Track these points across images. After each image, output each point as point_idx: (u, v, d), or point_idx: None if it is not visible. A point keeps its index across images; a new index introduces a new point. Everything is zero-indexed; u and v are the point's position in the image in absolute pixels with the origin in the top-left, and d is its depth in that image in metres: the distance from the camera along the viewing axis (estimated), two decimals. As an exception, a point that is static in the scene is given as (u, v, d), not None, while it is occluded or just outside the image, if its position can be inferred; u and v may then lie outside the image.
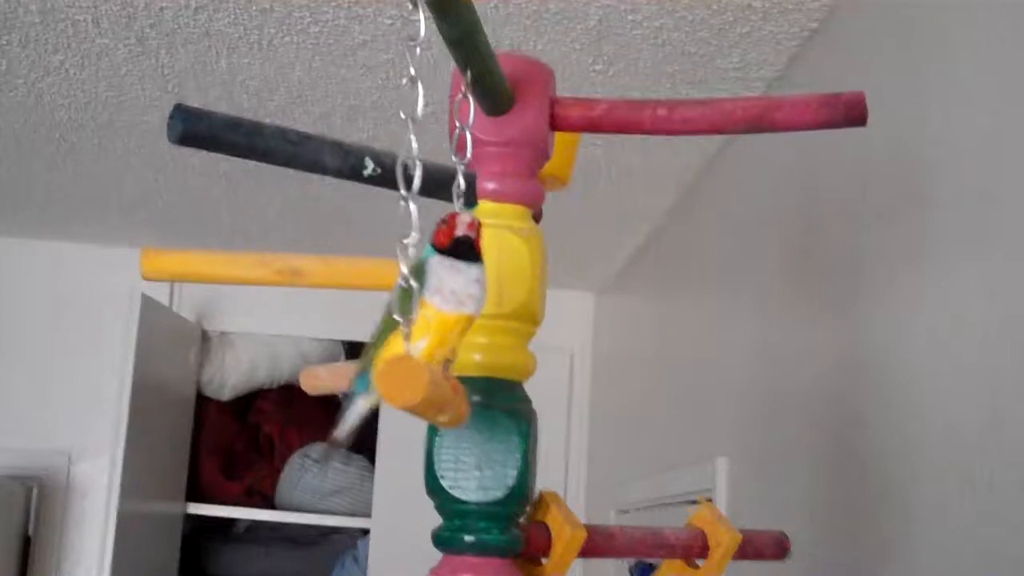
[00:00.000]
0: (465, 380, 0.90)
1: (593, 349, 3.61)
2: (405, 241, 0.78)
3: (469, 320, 0.84)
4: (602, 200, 2.68)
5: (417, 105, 0.80)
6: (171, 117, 0.79)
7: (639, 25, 1.82)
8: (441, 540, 0.97)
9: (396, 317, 0.79)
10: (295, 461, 3.76)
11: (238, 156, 0.79)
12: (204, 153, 2.58)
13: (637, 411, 2.98)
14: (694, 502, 2.28)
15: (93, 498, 3.36)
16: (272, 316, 3.60)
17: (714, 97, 1.02)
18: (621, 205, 2.72)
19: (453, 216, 0.83)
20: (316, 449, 3.74)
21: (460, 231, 0.83)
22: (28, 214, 3.21)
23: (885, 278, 1.49)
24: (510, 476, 0.95)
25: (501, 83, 0.97)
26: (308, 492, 3.65)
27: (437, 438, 0.97)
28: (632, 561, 2.67)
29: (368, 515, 3.51)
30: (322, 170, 0.83)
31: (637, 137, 2.31)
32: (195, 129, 0.79)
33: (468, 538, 0.95)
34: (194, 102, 2.25)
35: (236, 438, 3.86)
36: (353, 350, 3.90)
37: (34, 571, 3.33)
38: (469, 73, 0.92)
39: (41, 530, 3.36)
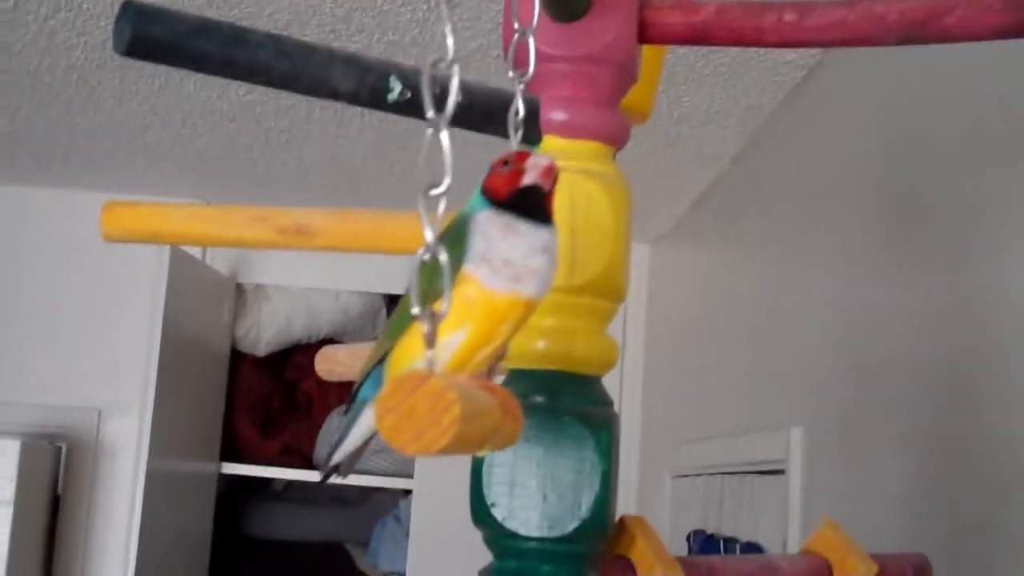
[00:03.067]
0: (524, 375, 0.68)
1: (648, 303, 3.42)
2: (433, 192, 0.52)
3: (528, 306, 0.60)
4: (660, 144, 2.48)
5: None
6: (118, 19, 0.54)
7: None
8: (492, 586, 0.74)
9: (414, 309, 0.52)
10: (334, 418, 3.61)
11: (214, 74, 0.56)
12: (234, 95, 2.42)
13: (698, 371, 2.78)
14: (765, 472, 2.10)
15: (123, 457, 3.24)
16: (310, 267, 3.43)
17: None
18: (681, 149, 2.51)
19: (522, 156, 0.59)
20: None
21: (530, 178, 0.59)
22: (51, 163, 3.05)
23: (1003, 228, 1.28)
24: (584, 504, 0.71)
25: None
26: (349, 451, 3.49)
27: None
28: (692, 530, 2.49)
29: (410, 475, 3.36)
30: (332, 94, 0.58)
31: (701, 73, 2.11)
32: (151, 34, 0.53)
33: (528, 585, 0.72)
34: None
35: (273, 395, 3.71)
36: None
37: (63, 531, 3.22)
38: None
39: (70, 490, 3.24)
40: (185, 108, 2.49)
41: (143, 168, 3.00)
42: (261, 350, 3.60)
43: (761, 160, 2.37)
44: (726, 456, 2.35)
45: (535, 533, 0.73)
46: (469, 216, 0.61)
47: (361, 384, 0.71)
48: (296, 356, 3.74)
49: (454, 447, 0.50)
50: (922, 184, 1.54)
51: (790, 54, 1.95)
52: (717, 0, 0.77)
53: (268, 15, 1.95)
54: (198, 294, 3.20)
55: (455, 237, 0.60)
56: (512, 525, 0.73)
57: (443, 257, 0.52)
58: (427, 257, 0.52)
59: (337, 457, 0.74)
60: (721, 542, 2.31)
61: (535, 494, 0.72)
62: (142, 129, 2.66)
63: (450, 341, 0.59)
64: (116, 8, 1.93)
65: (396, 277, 3.34)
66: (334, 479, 0.76)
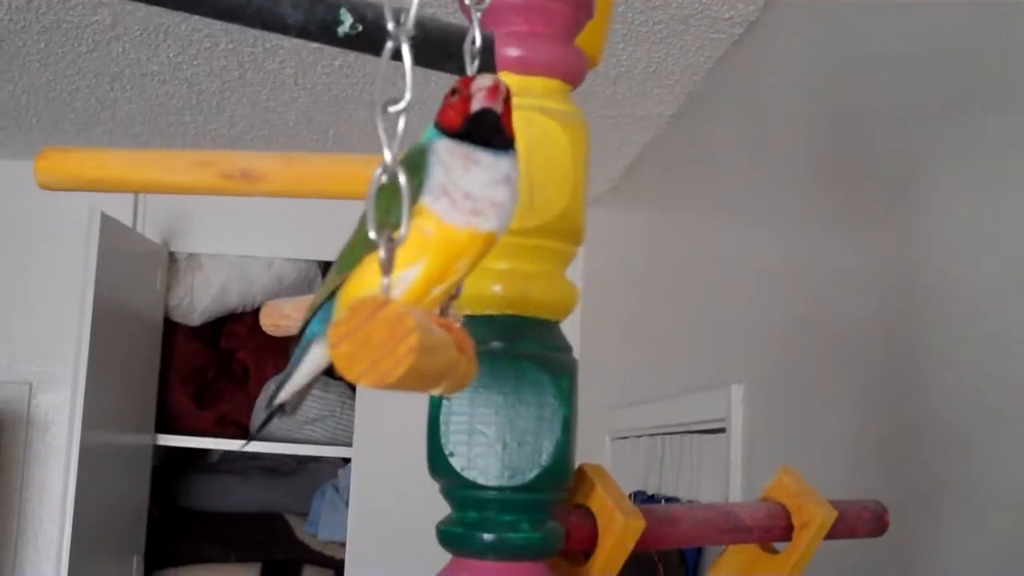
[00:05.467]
0: (482, 320, 0.66)
1: (585, 265, 3.41)
2: (392, 108, 0.49)
3: (487, 241, 0.57)
4: (597, 104, 2.46)
5: None
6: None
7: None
8: (450, 538, 0.71)
9: (371, 233, 0.49)
10: (271, 388, 3.57)
11: (157, 4, 0.52)
12: (164, 56, 2.36)
13: (636, 332, 2.78)
14: (706, 431, 2.10)
15: (56, 430, 3.19)
16: (244, 235, 3.39)
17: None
18: (619, 110, 2.50)
19: (466, 81, 0.57)
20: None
21: (479, 102, 0.56)
22: (-25, 128, 2.97)
23: (945, 183, 1.28)
24: (545, 452, 0.69)
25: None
26: (284, 421, 3.46)
27: (444, 400, 0.71)
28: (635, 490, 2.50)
29: (349, 444, 3.34)
30: (280, 27, 0.56)
31: (639, 32, 2.09)
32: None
33: (487, 536, 0.69)
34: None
35: (208, 365, 3.66)
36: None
37: (-3, 507, 3.17)
38: None
39: (3, 464, 3.20)
40: (113, 70, 2.43)
41: (72, 133, 2.94)
42: (195, 319, 3.55)
43: (700, 119, 2.37)
44: (666, 416, 2.35)
45: (495, 482, 0.70)
46: (426, 146, 0.58)
47: (310, 319, 0.67)
48: (231, 325, 3.69)
49: (410, 380, 0.46)
50: (862, 140, 1.54)
51: (728, 11, 1.94)
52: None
53: (198, -26, 1.90)
54: (130, 263, 3.14)
55: (412, 167, 0.56)
56: (471, 475, 0.71)
57: (402, 178, 0.49)
58: (385, 179, 0.49)
59: (283, 396, 0.69)
60: (663, 502, 2.32)
61: (494, 442, 0.70)
62: (69, 93, 2.60)
63: (404, 276, 0.56)
64: (39, -32, 1.87)
65: (330, 244, 3.30)
66: (278, 419, 0.73)
